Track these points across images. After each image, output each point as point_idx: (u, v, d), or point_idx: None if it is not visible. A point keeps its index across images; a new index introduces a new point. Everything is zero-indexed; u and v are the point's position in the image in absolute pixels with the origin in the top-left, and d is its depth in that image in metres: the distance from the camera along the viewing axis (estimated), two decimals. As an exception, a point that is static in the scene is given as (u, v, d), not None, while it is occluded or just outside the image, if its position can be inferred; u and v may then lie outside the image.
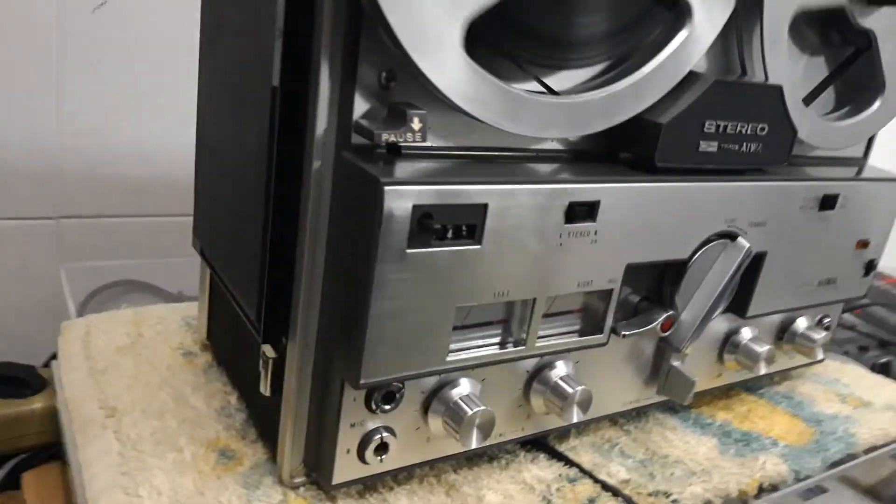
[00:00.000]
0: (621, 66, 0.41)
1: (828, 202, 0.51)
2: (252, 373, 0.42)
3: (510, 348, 0.41)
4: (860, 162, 0.59)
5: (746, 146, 0.45)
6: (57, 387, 0.52)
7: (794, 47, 0.50)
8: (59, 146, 0.77)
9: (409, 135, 0.34)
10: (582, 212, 0.39)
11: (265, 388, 0.41)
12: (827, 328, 0.61)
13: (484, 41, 0.36)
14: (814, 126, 0.50)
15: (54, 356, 0.76)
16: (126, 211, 0.83)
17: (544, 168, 0.40)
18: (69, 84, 0.75)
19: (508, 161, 0.40)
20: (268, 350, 0.40)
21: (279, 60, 0.34)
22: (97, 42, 0.76)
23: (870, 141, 0.58)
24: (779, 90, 0.45)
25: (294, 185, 0.36)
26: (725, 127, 0.43)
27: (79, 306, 0.77)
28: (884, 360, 0.92)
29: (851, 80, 0.53)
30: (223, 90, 0.43)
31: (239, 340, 0.48)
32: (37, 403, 0.60)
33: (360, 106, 0.35)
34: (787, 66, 0.46)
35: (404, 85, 0.35)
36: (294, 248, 0.38)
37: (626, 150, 0.42)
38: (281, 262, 0.38)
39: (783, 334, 0.58)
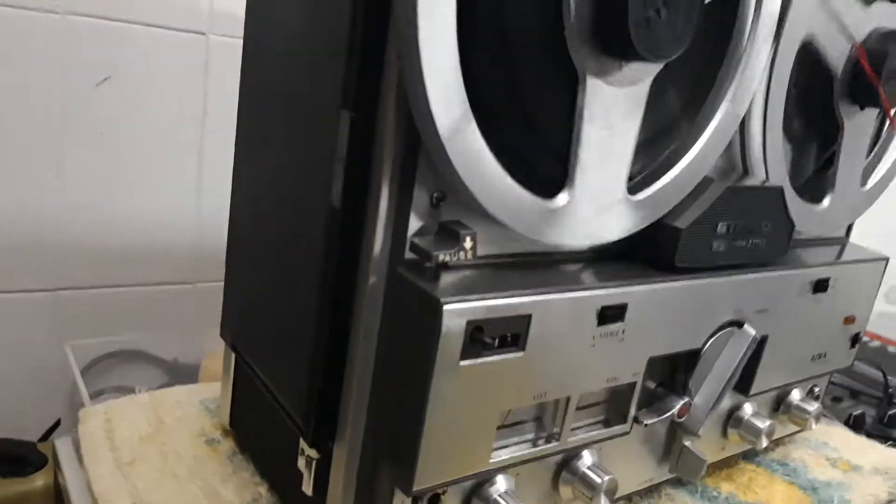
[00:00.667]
0: (641, 176, 0.44)
1: (820, 285, 0.55)
2: (285, 465, 0.43)
3: (543, 444, 0.43)
4: (843, 240, 0.63)
5: (752, 242, 0.48)
6: (71, 473, 0.52)
7: (785, 139, 0.53)
8: (58, 219, 0.77)
9: (461, 254, 0.36)
10: (613, 315, 0.42)
11: (308, 488, 0.42)
12: (817, 397, 0.64)
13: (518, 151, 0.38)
14: (805, 215, 0.54)
15: (52, 429, 0.75)
16: (118, 281, 0.83)
17: (575, 269, 0.43)
18: (69, 156, 0.76)
19: (542, 265, 0.42)
20: (312, 452, 0.41)
21: (340, 184, 0.36)
22: (99, 115, 0.77)
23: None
24: (780, 191, 0.49)
25: (347, 297, 0.38)
26: (735, 227, 0.47)
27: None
28: (857, 411, 0.96)
29: (809, 166, 0.57)
30: (267, 194, 0.45)
31: (269, 431, 0.49)
32: (38, 481, 0.60)
33: (414, 224, 0.37)
34: (782, 164, 0.50)
35: (452, 202, 0.37)
36: (344, 356, 0.39)
37: (647, 251, 0.45)
38: (330, 369, 0.39)
39: (779, 406, 0.61)
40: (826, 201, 0.55)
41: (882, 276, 0.62)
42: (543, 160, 0.39)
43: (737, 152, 0.50)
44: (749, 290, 0.50)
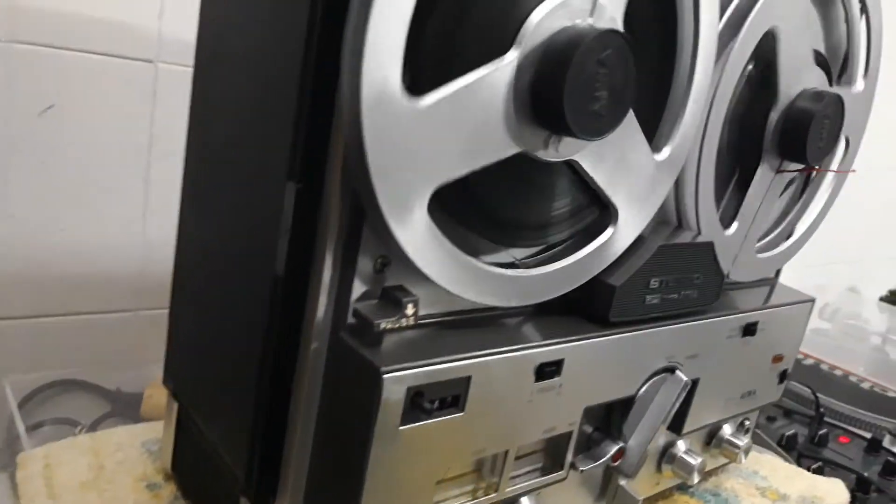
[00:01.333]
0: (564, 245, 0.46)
1: (749, 329, 0.58)
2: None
3: (482, 496, 0.44)
4: (772, 282, 0.66)
5: (683, 294, 0.51)
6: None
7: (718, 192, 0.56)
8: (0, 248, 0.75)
9: (403, 320, 0.37)
10: (550, 371, 0.43)
11: (251, 542, 0.42)
12: (748, 430, 0.67)
13: (455, 215, 0.39)
14: (735, 263, 0.57)
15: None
16: (59, 310, 0.82)
17: (515, 324, 0.44)
18: (14, 185, 0.74)
19: (484, 321, 0.44)
20: (254, 507, 0.42)
21: (284, 254, 0.37)
22: (43, 143, 0.75)
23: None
24: (710, 246, 0.51)
25: (289, 361, 0.39)
26: (667, 281, 0.49)
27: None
28: (790, 432, 1.00)
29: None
30: (212, 251, 0.45)
31: (211, 477, 0.49)
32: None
33: (358, 289, 0.38)
34: (715, 217, 0.53)
35: (395, 268, 0.38)
36: (286, 417, 0.40)
37: (583, 306, 0.47)
38: (272, 431, 0.40)
39: (711, 440, 0.64)
40: (790, 239, 0.58)
41: (809, 316, 0.65)
42: (487, 227, 0.40)
43: (671, 206, 0.52)
44: (681, 338, 0.52)
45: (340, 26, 0.32)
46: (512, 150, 0.38)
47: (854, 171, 0.63)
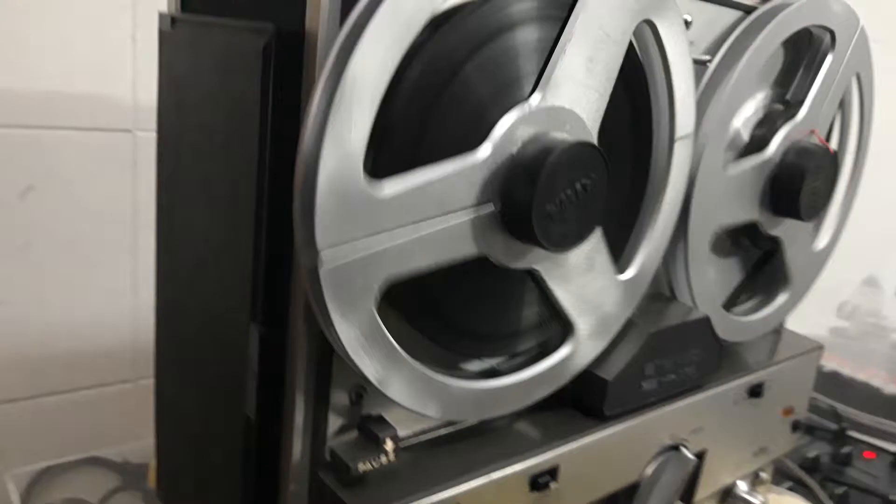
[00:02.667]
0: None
1: (755, 391, 0.56)
2: None
3: None
4: (777, 329, 0.64)
5: (682, 372, 0.49)
6: None
7: (711, 255, 0.54)
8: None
9: (382, 457, 0.36)
10: (544, 480, 0.41)
11: None
12: (763, 481, 0.65)
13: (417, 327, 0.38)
14: (731, 326, 0.54)
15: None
16: (60, 388, 0.81)
17: (503, 429, 0.43)
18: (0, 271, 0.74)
19: (468, 431, 0.42)
20: None
21: (254, 398, 0.35)
22: (26, 225, 0.74)
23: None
24: (706, 321, 0.49)
25: (270, 500, 0.37)
26: (663, 364, 0.47)
27: (23, 493, 0.75)
28: (812, 453, 0.98)
29: (759, 277, 0.58)
30: (185, 390, 0.44)
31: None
32: None
33: (334, 423, 0.36)
34: (709, 283, 0.51)
35: (373, 395, 0.37)
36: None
37: (575, 400, 0.45)
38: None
39: (726, 497, 0.62)
40: (781, 298, 0.56)
41: (817, 364, 0.63)
42: (451, 339, 0.39)
43: (662, 277, 0.50)
44: (683, 416, 0.50)
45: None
46: (472, 250, 0.36)
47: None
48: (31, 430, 0.80)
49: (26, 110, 0.72)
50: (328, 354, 0.35)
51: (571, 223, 0.35)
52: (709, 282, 0.51)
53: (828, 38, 0.52)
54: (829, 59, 0.52)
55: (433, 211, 0.33)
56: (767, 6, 0.49)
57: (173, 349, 0.45)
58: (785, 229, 0.54)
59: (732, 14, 0.48)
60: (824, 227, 0.60)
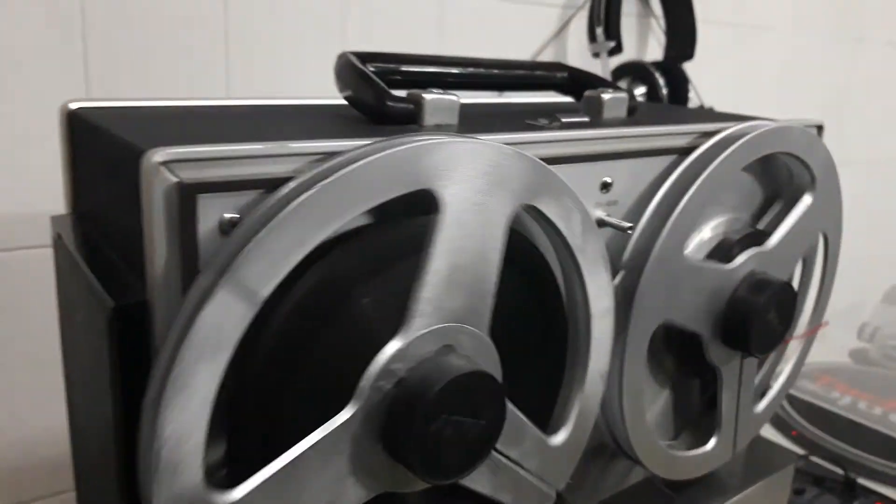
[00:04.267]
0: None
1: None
2: None
3: None
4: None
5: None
6: None
7: (654, 384, 0.51)
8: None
9: None
10: None
11: None
12: None
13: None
14: (693, 464, 0.52)
15: None
16: (48, 491, 0.82)
17: None
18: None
19: None
20: None
21: None
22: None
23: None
24: (655, 478, 0.46)
25: None
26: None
27: None
28: (819, 506, 0.94)
29: (691, 409, 0.54)
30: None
31: None
32: None
33: None
34: (652, 439, 0.48)
35: None
36: None
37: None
38: None
39: None
40: (712, 442, 0.52)
41: (791, 478, 0.60)
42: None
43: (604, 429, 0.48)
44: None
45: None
46: (372, 493, 0.34)
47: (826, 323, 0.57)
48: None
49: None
50: None
51: (457, 460, 0.33)
52: (654, 437, 0.48)
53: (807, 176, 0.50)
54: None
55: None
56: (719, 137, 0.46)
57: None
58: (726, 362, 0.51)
59: (662, 161, 0.45)
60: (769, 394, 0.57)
